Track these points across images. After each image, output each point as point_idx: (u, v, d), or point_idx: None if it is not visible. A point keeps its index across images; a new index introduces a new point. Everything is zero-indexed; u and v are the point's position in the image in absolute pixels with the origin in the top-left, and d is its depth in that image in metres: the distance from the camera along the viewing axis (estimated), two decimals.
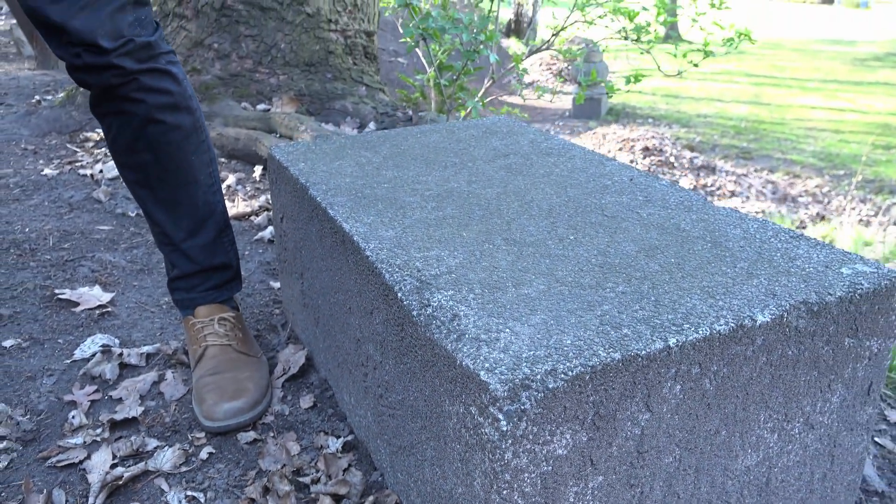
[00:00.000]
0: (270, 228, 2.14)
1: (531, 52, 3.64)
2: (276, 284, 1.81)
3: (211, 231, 1.35)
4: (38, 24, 1.10)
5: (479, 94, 3.15)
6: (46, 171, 2.67)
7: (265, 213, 2.26)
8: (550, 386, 0.67)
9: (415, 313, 0.82)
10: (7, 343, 1.51)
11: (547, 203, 1.11)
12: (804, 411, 0.86)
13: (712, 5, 3.02)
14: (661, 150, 7.77)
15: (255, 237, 2.13)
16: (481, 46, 2.39)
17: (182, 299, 1.37)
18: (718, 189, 7.29)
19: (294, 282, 1.43)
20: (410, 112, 2.87)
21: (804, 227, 6.41)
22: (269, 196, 2.36)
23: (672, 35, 15.48)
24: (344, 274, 1.07)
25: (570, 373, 0.68)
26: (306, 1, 2.93)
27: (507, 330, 0.75)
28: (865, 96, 11.59)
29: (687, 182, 7.24)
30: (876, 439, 1.32)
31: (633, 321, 0.76)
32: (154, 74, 1.19)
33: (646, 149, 7.80)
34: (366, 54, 3.14)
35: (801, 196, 7.48)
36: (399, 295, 0.86)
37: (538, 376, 0.67)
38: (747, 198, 7.25)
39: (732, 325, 0.75)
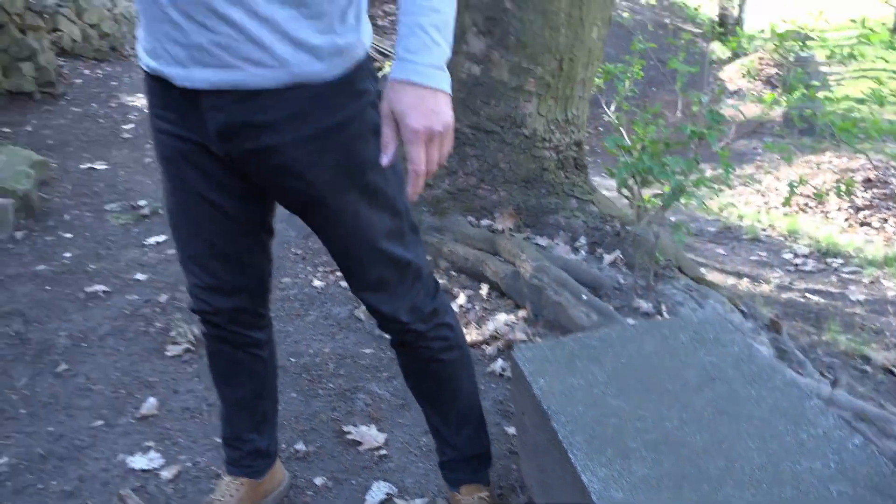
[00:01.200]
0: (501, 361, 2.54)
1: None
2: (511, 430, 2.20)
3: (471, 428, 1.76)
4: (360, 300, 1.56)
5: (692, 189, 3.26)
6: (315, 282, 3.30)
7: (495, 342, 2.66)
8: None
9: None
10: (318, 481, 2.04)
11: (749, 465, 1.37)
12: None
13: None
14: (885, 182, 7.22)
15: (487, 369, 2.54)
16: (689, 190, 2.61)
17: (450, 479, 1.80)
18: None
19: (532, 466, 1.80)
20: (619, 226, 3.14)
21: None
22: (496, 323, 2.76)
23: None
24: None
25: None
26: (524, 123, 3.30)
27: None
28: None
29: None
30: None
31: None
32: (438, 328, 1.61)
33: (867, 180, 7.29)
34: (576, 165, 3.45)
35: None
36: None
37: None
38: None
39: None
